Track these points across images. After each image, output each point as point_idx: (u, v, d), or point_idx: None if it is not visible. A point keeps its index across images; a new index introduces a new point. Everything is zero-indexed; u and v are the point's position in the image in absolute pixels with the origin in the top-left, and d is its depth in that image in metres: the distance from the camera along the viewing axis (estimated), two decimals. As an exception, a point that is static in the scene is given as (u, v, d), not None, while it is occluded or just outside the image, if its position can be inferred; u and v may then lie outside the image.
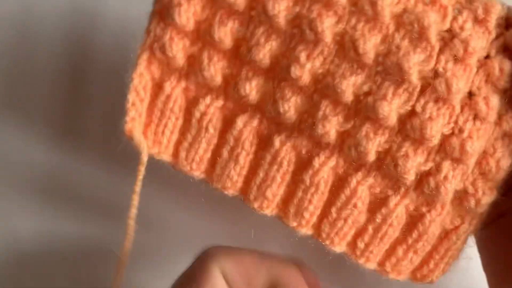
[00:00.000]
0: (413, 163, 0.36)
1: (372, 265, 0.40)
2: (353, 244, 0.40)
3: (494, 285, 0.41)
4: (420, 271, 0.40)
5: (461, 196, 0.38)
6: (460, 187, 0.37)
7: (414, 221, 0.38)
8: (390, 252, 0.40)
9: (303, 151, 0.39)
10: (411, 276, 0.41)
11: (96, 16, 0.54)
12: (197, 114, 0.40)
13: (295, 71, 0.36)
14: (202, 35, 0.38)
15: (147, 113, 0.41)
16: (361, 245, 0.39)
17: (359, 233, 0.39)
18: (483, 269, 0.42)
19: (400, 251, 0.39)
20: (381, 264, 0.40)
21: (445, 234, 0.39)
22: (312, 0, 0.36)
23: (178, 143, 0.41)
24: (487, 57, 0.36)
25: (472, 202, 0.37)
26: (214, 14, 0.38)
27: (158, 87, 0.40)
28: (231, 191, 0.41)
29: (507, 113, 0.37)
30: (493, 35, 0.36)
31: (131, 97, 0.39)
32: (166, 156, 0.41)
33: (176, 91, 0.40)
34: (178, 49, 0.38)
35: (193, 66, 0.39)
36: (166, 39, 0.38)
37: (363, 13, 0.36)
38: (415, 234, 0.38)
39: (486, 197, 0.37)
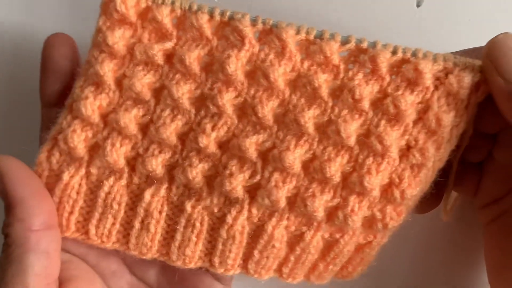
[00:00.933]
0: (320, 201, 0.40)
1: (298, 280, 0.44)
2: (279, 271, 0.44)
3: (492, 271, 0.44)
4: (341, 273, 0.45)
5: (370, 221, 0.41)
6: (368, 214, 0.40)
7: (330, 245, 0.43)
8: (313, 268, 0.44)
9: (216, 210, 0.42)
10: (334, 277, 0.45)
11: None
12: (102, 194, 0.43)
13: (202, 140, 0.40)
14: (109, 123, 0.42)
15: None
16: (286, 270, 0.44)
17: (283, 263, 0.43)
18: (485, 260, 0.45)
19: (321, 266, 0.44)
20: (306, 277, 0.45)
21: (360, 247, 0.43)
22: (213, 80, 0.40)
23: (81, 222, 0.44)
24: (427, 108, 0.39)
25: (380, 226, 0.41)
26: (121, 105, 0.42)
27: (56, 177, 0.43)
28: (149, 256, 0.43)
29: (415, 146, 0.39)
30: (388, 79, 0.39)
31: None
32: (70, 235, 0.43)
33: (74, 179, 0.42)
34: (79, 140, 0.42)
35: (96, 153, 0.42)
36: (69, 131, 0.42)
37: (259, 84, 0.40)
38: (332, 254, 0.43)
39: (393, 221, 0.40)
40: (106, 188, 0.43)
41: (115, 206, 0.43)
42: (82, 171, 0.43)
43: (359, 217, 0.40)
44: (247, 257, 0.43)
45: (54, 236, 0.41)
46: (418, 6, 0.47)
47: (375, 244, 0.43)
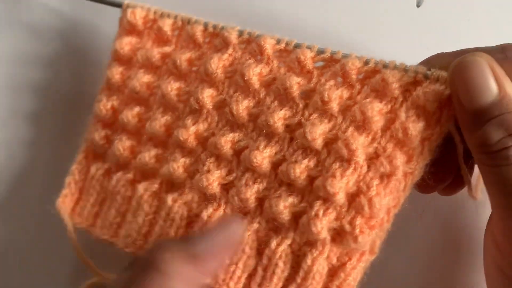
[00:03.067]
0: (286, 203, 0.40)
1: None
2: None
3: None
4: None
5: (340, 234, 0.39)
6: (337, 225, 0.39)
7: (299, 260, 0.40)
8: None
9: (194, 206, 0.43)
10: None
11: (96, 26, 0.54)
12: (109, 188, 0.48)
13: (182, 134, 0.43)
14: (120, 122, 0.48)
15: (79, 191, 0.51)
16: (254, 286, 0.41)
17: (251, 274, 0.41)
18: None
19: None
20: None
21: (334, 272, 0.40)
22: (198, 80, 0.45)
23: (97, 214, 0.49)
24: (395, 117, 0.39)
25: (350, 239, 0.38)
26: (126, 103, 0.48)
27: (88, 170, 0.50)
28: (131, 249, 0.45)
29: (383, 154, 0.38)
30: (358, 87, 0.40)
31: (68, 179, 0.50)
32: (85, 227, 0.49)
33: (99, 172, 0.49)
34: (100, 137, 0.49)
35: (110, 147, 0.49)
36: (93, 129, 0.49)
37: (237, 84, 0.43)
38: (301, 273, 0.40)
39: (363, 235, 0.38)
40: (113, 181, 0.48)
41: (119, 199, 0.47)
42: (107, 165, 0.49)
43: (323, 224, 0.38)
44: (250, 274, 0.42)
45: None
46: (418, 6, 0.47)
47: (349, 268, 0.40)
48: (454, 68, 0.37)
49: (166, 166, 0.44)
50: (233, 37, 0.44)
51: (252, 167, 0.41)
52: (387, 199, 0.39)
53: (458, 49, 0.41)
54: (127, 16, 0.48)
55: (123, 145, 0.47)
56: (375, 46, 0.50)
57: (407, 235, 0.48)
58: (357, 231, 0.38)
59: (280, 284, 0.41)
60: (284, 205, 0.40)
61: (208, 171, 0.43)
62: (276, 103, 0.42)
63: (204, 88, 0.44)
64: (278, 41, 0.43)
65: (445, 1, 0.49)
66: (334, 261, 0.40)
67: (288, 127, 0.41)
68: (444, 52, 0.41)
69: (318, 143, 0.39)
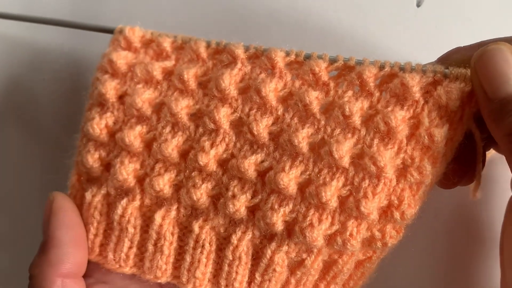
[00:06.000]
0: (319, 231, 0.39)
1: None
2: None
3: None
4: None
5: (369, 240, 0.40)
6: (368, 235, 0.40)
7: (330, 265, 0.42)
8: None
9: (222, 230, 0.42)
10: None
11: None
12: (116, 217, 0.43)
13: (202, 159, 0.41)
14: (118, 142, 0.44)
15: None
16: None
17: (284, 285, 0.42)
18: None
19: (322, 286, 0.43)
20: None
21: (360, 263, 0.42)
22: (210, 97, 0.42)
23: (104, 245, 0.44)
24: (419, 123, 0.38)
25: (379, 244, 0.40)
26: (125, 122, 0.44)
27: (82, 197, 0.45)
28: (163, 279, 0.43)
29: (412, 165, 0.38)
30: (377, 95, 0.39)
31: None
32: (93, 258, 0.44)
33: (96, 198, 0.44)
34: (94, 160, 0.44)
35: (109, 172, 0.44)
36: (84, 152, 0.44)
37: (252, 101, 0.41)
38: (331, 274, 0.42)
39: (392, 240, 0.40)
40: (119, 211, 0.43)
41: (131, 229, 0.43)
42: (104, 190, 0.44)
43: (358, 241, 0.39)
44: (250, 280, 0.42)
45: (79, 286, 0.41)
46: (418, 6, 0.47)
47: (375, 259, 0.42)
48: (478, 58, 0.37)
49: (187, 193, 0.42)
50: (240, 52, 0.42)
51: (278, 190, 0.39)
52: (417, 208, 0.39)
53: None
54: (124, 33, 0.45)
55: (126, 170, 0.43)
56: (375, 46, 0.50)
57: (406, 236, 0.48)
58: (388, 237, 0.39)
59: (311, 286, 0.43)
60: (318, 233, 0.39)
61: (234, 196, 0.41)
62: (296, 119, 0.40)
63: (218, 107, 0.41)
64: (288, 53, 0.41)
65: (445, 1, 0.49)
66: (360, 257, 0.42)
67: (312, 145, 0.40)
68: (462, 46, 0.40)
69: (345, 160, 0.38)
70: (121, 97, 0.44)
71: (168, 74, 0.44)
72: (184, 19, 0.53)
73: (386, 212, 0.39)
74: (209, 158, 0.41)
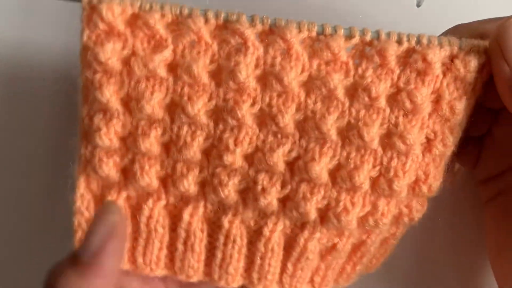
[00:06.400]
0: (353, 215, 0.39)
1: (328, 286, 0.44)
2: (311, 281, 0.43)
3: (493, 253, 0.44)
4: (365, 268, 0.45)
5: (397, 217, 0.41)
6: (396, 212, 0.40)
7: (358, 246, 0.43)
8: (341, 271, 0.44)
9: (252, 223, 0.41)
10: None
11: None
12: (143, 219, 0.41)
13: (227, 158, 0.39)
14: (131, 148, 0.39)
15: None
16: (317, 279, 0.43)
17: (314, 272, 0.43)
18: (486, 240, 0.46)
19: (348, 268, 0.44)
20: (336, 281, 0.45)
21: (385, 241, 0.43)
22: (225, 90, 0.38)
23: (132, 250, 0.42)
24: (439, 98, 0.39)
25: (406, 220, 0.41)
26: (136, 127, 0.39)
27: (101, 202, 0.41)
28: (195, 278, 0.42)
29: (435, 138, 0.39)
30: (397, 72, 0.38)
31: (76, 219, 0.41)
32: (124, 267, 0.42)
33: (118, 202, 0.41)
34: (109, 168, 0.40)
35: (129, 177, 0.40)
36: (95, 161, 0.39)
37: (272, 89, 0.38)
38: (359, 254, 0.43)
39: (418, 214, 0.41)
40: (146, 212, 0.41)
41: (160, 230, 0.41)
42: (124, 194, 0.41)
43: (389, 219, 0.40)
44: (282, 271, 0.42)
45: None
46: (418, 6, 0.47)
47: (398, 234, 0.43)
48: (502, 28, 0.37)
49: (214, 191, 0.40)
50: (250, 32, 0.37)
51: (309, 179, 0.39)
52: (441, 178, 0.40)
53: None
54: (102, 13, 0.36)
55: (149, 175, 0.40)
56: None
57: (406, 237, 0.48)
58: (414, 212, 0.41)
59: (338, 269, 0.44)
60: (353, 217, 0.39)
61: (264, 189, 0.39)
62: (319, 104, 0.38)
63: (239, 102, 0.38)
64: (299, 28, 0.38)
65: (445, 1, 0.49)
66: (385, 235, 0.43)
67: (339, 130, 0.39)
68: (460, 24, 0.42)
69: (376, 142, 0.38)
70: (123, 100, 0.39)
71: (171, 66, 0.38)
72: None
73: (413, 188, 0.40)
74: (235, 157, 0.39)
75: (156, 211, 0.41)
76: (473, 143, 0.45)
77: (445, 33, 0.42)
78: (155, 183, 0.40)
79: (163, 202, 0.41)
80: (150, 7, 0.37)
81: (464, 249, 0.51)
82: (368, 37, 0.38)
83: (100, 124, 0.39)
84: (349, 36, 0.38)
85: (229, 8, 0.39)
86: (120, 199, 0.41)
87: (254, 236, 0.41)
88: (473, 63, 0.38)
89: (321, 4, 0.50)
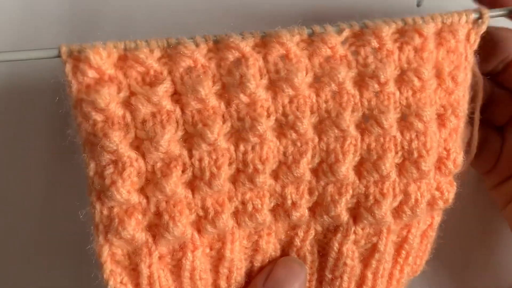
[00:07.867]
0: (386, 206, 0.39)
1: None
2: None
3: None
4: (411, 271, 0.44)
5: (431, 202, 0.40)
6: (429, 197, 0.40)
7: (400, 245, 0.42)
8: (390, 278, 0.43)
9: (283, 237, 0.41)
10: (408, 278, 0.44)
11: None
12: (186, 274, 0.39)
13: (259, 180, 0.37)
14: (152, 196, 0.36)
15: None
16: None
17: (361, 282, 0.42)
18: None
19: (397, 273, 0.42)
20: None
21: (424, 234, 0.43)
22: (236, 108, 0.36)
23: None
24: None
25: (441, 203, 0.40)
26: (153, 172, 0.36)
27: (134, 271, 0.38)
28: None
29: (446, 111, 0.39)
30: (397, 53, 0.38)
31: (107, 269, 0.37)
32: None
33: (153, 267, 0.37)
34: (133, 227, 0.36)
35: (157, 233, 0.37)
36: (116, 224, 0.35)
37: (283, 97, 0.37)
38: (404, 254, 0.42)
39: (450, 194, 0.40)
40: (188, 266, 0.38)
41: (204, 276, 0.39)
42: (156, 255, 0.38)
43: (424, 204, 0.39)
44: (321, 279, 0.42)
45: None
46: (418, 6, 0.47)
47: (435, 224, 0.42)
48: None
49: (250, 219, 0.38)
50: (244, 44, 0.36)
51: (337, 180, 0.38)
52: (461, 151, 0.40)
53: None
54: (89, 59, 0.34)
55: (182, 222, 0.36)
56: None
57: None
58: (446, 193, 0.40)
59: (387, 276, 0.43)
60: (386, 208, 0.39)
61: (294, 203, 0.38)
62: (331, 103, 0.38)
63: (256, 117, 0.36)
64: (292, 33, 0.37)
65: (445, 1, 0.49)
66: (423, 227, 0.42)
67: (355, 124, 0.38)
68: None
69: (394, 129, 0.38)
70: (132, 144, 0.36)
71: (174, 98, 0.36)
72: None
73: (439, 167, 0.40)
74: (265, 177, 0.37)
75: (198, 261, 0.38)
76: (493, 140, 0.46)
77: None
78: (189, 231, 0.37)
79: (200, 249, 0.38)
80: (136, 45, 0.36)
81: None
82: (356, 28, 0.38)
83: (113, 177, 0.35)
84: (339, 31, 0.38)
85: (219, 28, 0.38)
86: (154, 262, 0.37)
87: (286, 246, 0.41)
88: (461, 32, 0.39)
89: (320, 6, 0.50)
